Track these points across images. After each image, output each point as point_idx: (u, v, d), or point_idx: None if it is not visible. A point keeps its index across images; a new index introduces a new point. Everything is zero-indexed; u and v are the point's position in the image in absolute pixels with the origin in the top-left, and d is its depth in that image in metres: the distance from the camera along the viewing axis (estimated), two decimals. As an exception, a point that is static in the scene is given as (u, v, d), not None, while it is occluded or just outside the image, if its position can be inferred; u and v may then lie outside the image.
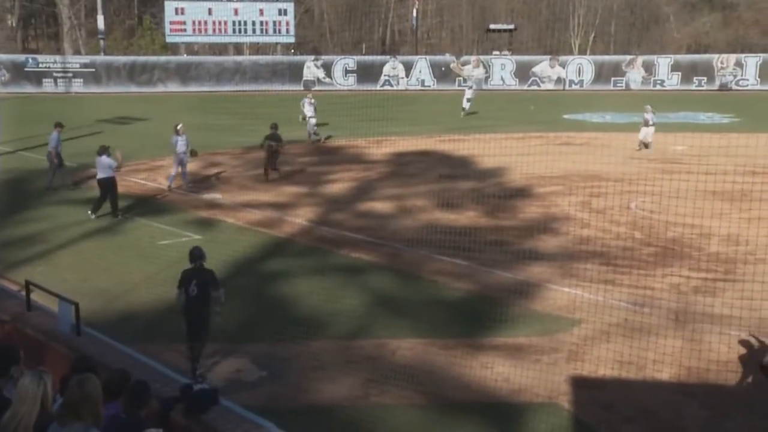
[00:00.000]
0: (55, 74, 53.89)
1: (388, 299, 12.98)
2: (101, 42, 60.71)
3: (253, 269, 14.61)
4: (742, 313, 11.15)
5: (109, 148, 19.08)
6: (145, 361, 10.10)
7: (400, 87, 58.98)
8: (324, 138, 32.01)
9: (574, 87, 60.75)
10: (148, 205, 20.12)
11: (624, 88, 60.45)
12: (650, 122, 29.17)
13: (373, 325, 11.80)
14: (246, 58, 60.95)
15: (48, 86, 53.43)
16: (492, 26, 71.23)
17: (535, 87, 59.99)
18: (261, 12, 58.91)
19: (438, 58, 63.88)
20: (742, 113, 43.32)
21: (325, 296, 12.61)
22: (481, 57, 62.89)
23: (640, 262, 14.89)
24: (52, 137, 21.99)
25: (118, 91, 53.79)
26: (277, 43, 62.44)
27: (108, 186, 18.68)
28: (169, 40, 60.50)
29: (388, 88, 58.58)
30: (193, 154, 22.22)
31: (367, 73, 59.25)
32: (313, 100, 32.67)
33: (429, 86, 59.85)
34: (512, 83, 60.41)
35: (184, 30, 58.36)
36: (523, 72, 60.88)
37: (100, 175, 18.71)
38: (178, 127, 21.78)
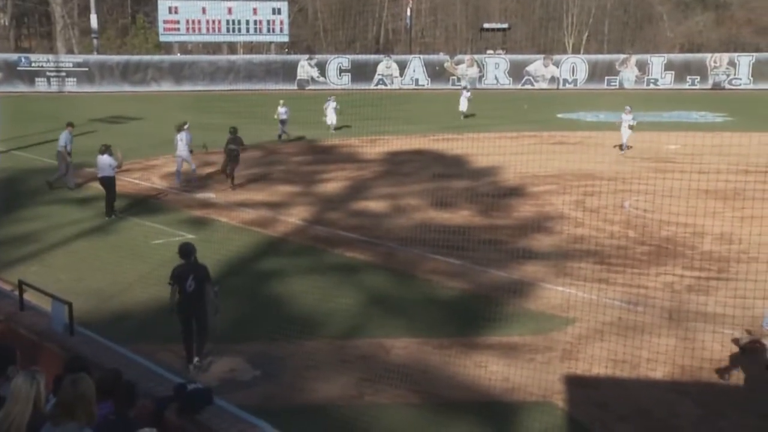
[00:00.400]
0: (48, 73, 53.75)
1: (383, 298, 12.98)
2: (94, 41, 60.55)
3: (247, 269, 14.60)
4: (735, 311, 11.18)
5: (111, 147, 19.08)
6: (139, 361, 10.07)
7: (394, 86, 58.99)
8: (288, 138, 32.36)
9: (567, 86, 60.84)
10: (141, 204, 20.08)
11: (618, 87, 60.56)
12: (626, 123, 28.40)
13: (368, 324, 11.79)
14: (240, 57, 60.89)
15: (41, 85, 53.29)
16: (486, 25, 71.24)
17: (528, 86, 60.07)
18: (255, 11, 58.86)
19: (432, 57, 63.91)
20: (735, 112, 43.45)
21: (319, 296, 12.60)
22: (475, 56, 62.92)
23: (633, 261, 14.92)
24: (62, 136, 21.95)
25: (111, 91, 53.67)
26: (271, 42, 62.37)
27: (107, 185, 18.69)
28: (162, 39, 60.38)
29: (382, 87, 58.57)
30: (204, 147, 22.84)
31: (361, 72, 59.22)
32: (336, 105, 34.04)
33: (423, 85, 59.88)
34: (506, 82, 60.48)
35: (178, 29, 58.26)
36: (517, 71, 60.94)
37: (101, 174, 18.74)
38: (185, 126, 22.42)
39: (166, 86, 55.94)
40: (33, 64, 53.95)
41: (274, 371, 10.06)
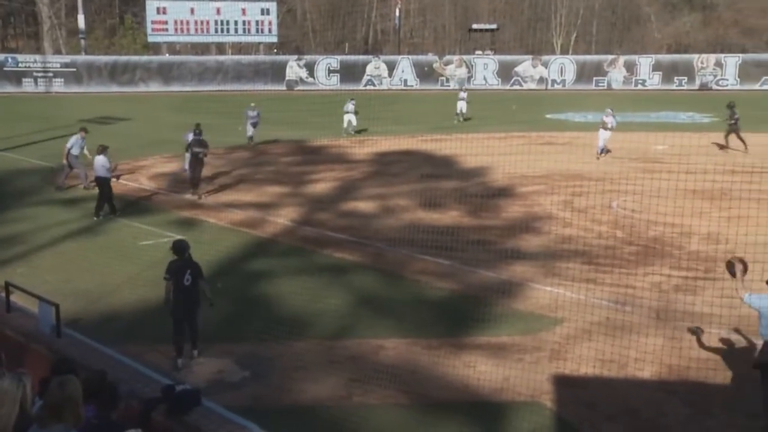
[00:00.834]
0: (35, 74, 53.50)
1: (372, 299, 12.98)
2: (82, 41, 60.33)
3: (236, 269, 14.57)
4: (722, 311, 11.23)
5: (107, 148, 19.09)
6: (127, 363, 10.05)
7: (383, 87, 59.00)
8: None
9: (556, 87, 61.00)
10: (129, 205, 20.01)
11: (606, 87, 60.76)
12: (609, 126, 27.52)
13: (357, 324, 11.79)
14: (228, 58, 60.79)
15: (28, 86, 53.04)
16: (474, 26, 71.39)
17: (517, 87, 60.19)
18: (243, 11, 58.77)
19: (421, 57, 63.97)
20: (722, 113, 43.58)
21: (308, 296, 12.59)
22: (464, 57, 63.02)
23: (621, 261, 14.98)
24: (73, 140, 21.93)
25: (99, 91, 53.47)
26: (259, 43, 62.28)
27: (99, 185, 18.72)
28: (151, 39, 60.22)
29: (371, 87, 58.58)
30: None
31: (350, 72, 59.22)
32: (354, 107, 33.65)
33: (412, 86, 59.92)
34: (495, 83, 60.58)
35: (166, 29, 58.12)
36: (505, 72, 61.07)
37: (95, 174, 18.87)
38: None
39: (155, 87, 55.78)
40: (20, 65, 53.70)
41: (262, 372, 10.05)
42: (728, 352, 10.60)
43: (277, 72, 58.41)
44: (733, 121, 29.05)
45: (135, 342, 10.84)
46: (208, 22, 58.23)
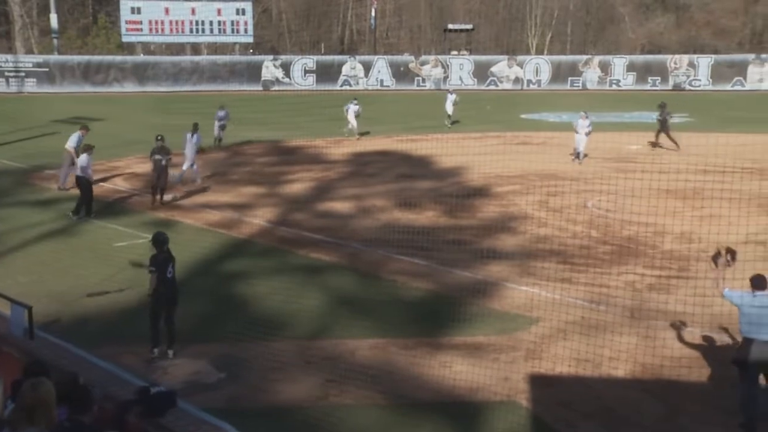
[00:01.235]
0: (6, 74, 52.86)
1: (348, 299, 12.97)
2: (55, 41, 59.67)
3: (213, 270, 14.51)
4: (695, 309, 11.36)
5: (92, 148, 18.99)
6: (101, 365, 9.98)
7: (360, 87, 58.96)
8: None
9: (531, 87, 61.29)
10: (104, 206, 19.84)
11: (581, 87, 61.15)
12: (586, 131, 26.30)
13: (333, 325, 11.78)
14: (204, 58, 60.43)
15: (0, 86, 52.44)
16: (450, 26, 71.52)
17: (493, 87, 60.39)
18: (219, 12, 58.48)
19: (397, 57, 64.01)
20: (695, 113, 44.10)
21: (284, 297, 12.57)
22: (440, 57, 63.16)
23: (596, 261, 15.09)
24: (73, 137, 21.86)
25: (72, 91, 52.95)
26: (235, 43, 62.01)
27: (79, 185, 18.61)
28: (125, 39, 59.74)
29: (347, 88, 58.52)
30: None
31: (326, 72, 59.14)
32: (358, 108, 32.81)
33: (388, 86, 59.93)
34: (471, 83, 60.73)
35: (141, 29, 57.66)
36: (481, 72, 61.26)
37: (77, 174, 18.83)
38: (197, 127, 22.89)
39: (129, 87, 55.35)
40: (-9, 65, 53.10)
41: (238, 373, 10.02)
42: (702, 350, 10.71)
43: (253, 72, 58.20)
44: (663, 120, 29.30)
45: (109, 344, 10.77)
46: (183, 22, 57.86)
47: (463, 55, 65.22)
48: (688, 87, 61.04)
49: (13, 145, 29.15)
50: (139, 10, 57.10)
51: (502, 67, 61.70)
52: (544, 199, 20.40)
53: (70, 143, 21.61)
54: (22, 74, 53.22)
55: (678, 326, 11.25)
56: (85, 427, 5.70)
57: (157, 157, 19.53)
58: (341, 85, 58.91)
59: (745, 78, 61.04)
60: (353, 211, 19.52)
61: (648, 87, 60.79)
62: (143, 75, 56.18)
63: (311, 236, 17.05)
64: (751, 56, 63.00)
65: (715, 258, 9.12)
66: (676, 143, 28.60)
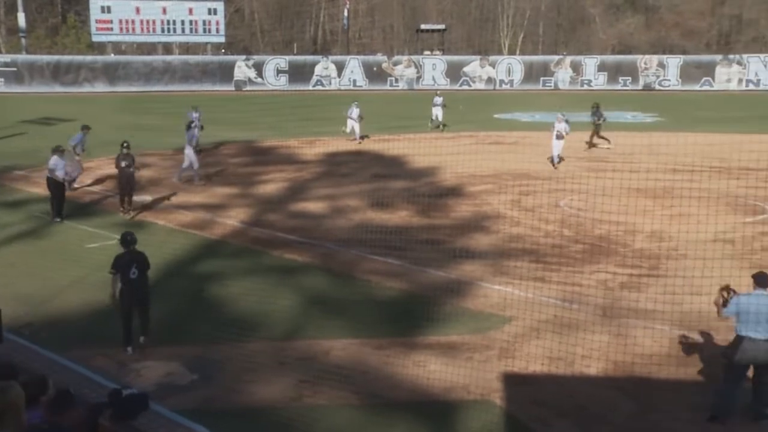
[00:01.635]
0: (-27, 73, 52.27)
1: (322, 300, 12.95)
2: (23, 40, 58.98)
3: (185, 271, 14.41)
4: (665, 307, 11.49)
5: (60, 148, 18.75)
6: (72, 367, 9.87)
7: (332, 87, 58.92)
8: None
9: (504, 87, 61.60)
10: (75, 207, 19.62)
11: (553, 87, 61.58)
12: (563, 133, 25.32)
13: (307, 325, 11.76)
14: (176, 58, 60.04)
15: (-34, 86, 51.81)
16: (423, 26, 71.73)
17: (466, 87, 60.64)
18: (190, 11, 58.16)
19: (370, 58, 64.03)
20: (665, 113, 44.60)
21: (258, 297, 12.52)
22: (413, 57, 63.27)
23: (568, 260, 15.19)
24: (75, 137, 21.96)
25: (41, 91, 52.41)
26: (207, 43, 61.67)
27: (48, 186, 18.42)
28: (95, 39, 59.20)
29: (320, 88, 58.45)
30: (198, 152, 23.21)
31: (299, 73, 59.03)
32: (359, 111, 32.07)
33: (361, 86, 59.94)
34: (444, 83, 60.92)
35: (111, 29, 57.17)
36: (454, 72, 61.47)
37: (49, 175, 18.55)
38: (193, 125, 23.07)
39: (100, 87, 54.87)
40: (-42, 64, 52.39)
41: (212, 374, 9.96)
42: (672, 348, 10.82)
43: (225, 72, 57.96)
44: (600, 122, 29.51)
45: (80, 346, 10.66)
46: (154, 22, 57.47)
47: (435, 55, 65.40)
48: (657, 87, 61.70)
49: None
50: (109, 10, 56.62)
51: (475, 67, 61.96)
52: (517, 198, 20.51)
53: (71, 142, 21.77)
54: (-10, 74, 52.64)
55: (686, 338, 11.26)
56: (63, 430, 5.64)
57: (124, 164, 18.96)
58: (314, 86, 58.83)
59: (713, 78, 61.82)
60: (327, 212, 19.50)
61: (619, 87, 61.36)
62: (114, 75, 55.72)
63: (285, 237, 17.00)
64: (718, 57, 63.84)
65: (717, 302, 9.08)
66: (607, 140, 28.99)
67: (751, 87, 61.09)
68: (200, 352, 10.56)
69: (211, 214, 19.09)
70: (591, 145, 29.52)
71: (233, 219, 18.68)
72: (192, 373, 10.01)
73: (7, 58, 55.67)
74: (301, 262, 15.16)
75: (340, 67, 60.25)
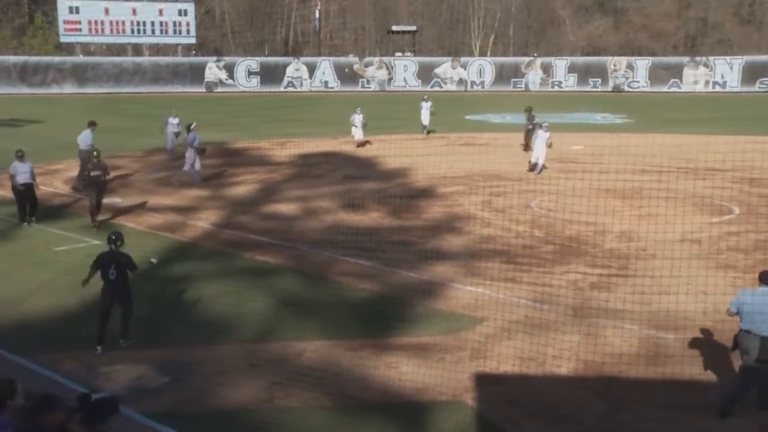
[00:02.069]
0: (-61, 74, 51.52)
1: (294, 301, 12.92)
2: (-12, 41, 58.29)
3: (156, 274, 14.27)
4: (634, 307, 11.61)
5: (20, 153, 18.40)
6: (40, 372, 9.76)
7: (304, 88, 58.83)
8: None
9: (475, 88, 61.89)
10: (43, 210, 19.38)
11: (524, 89, 61.98)
12: (543, 141, 24.64)
13: (279, 327, 11.73)
14: (146, 59, 59.62)
15: (-69, 87, 51.05)
16: (394, 27, 71.88)
17: (437, 88, 60.83)
18: (160, 12, 57.80)
19: (341, 59, 64.01)
20: (634, 114, 45.07)
21: (230, 300, 12.48)
22: (384, 58, 63.34)
23: (539, 260, 15.28)
24: (84, 136, 21.65)
25: (7, 93, 51.79)
26: (177, 44, 61.26)
27: (18, 191, 18.09)
28: (63, 39, 58.57)
29: (292, 89, 58.32)
30: (202, 151, 23.13)
31: (271, 74, 58.88)
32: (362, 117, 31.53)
33: (333, 87, 59.92)
34: (415, 84, 61.09)
35: (80, 30, 56.63)
36: (425, 73, 61.64)
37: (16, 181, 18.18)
38: (192, 126, 23.06)
39: (69, 88, 54.32)
40: None
41: (183, 377, 9.91)
42: (642, 347, 10.93)
43: (196, 74, 57.65)
44: (531, 126, 29.34)
45: (49, 350, 10.55)
46: (123, 23, 57.03)
47: (407, 56, 65.54)
48: (627, 88, 62.35)
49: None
50: (77, 10, 56.09)
51: (446, 68, 62.19)
52: (488, 199, 20.61)
53: (84, 143, 21.45)
54: (-45, 75, 51.91)
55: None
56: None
57: (95, 173, 18.21)
58: (285, 87, 58.70)
59: (680, 80, 62.63)
60: (299, 213, 19.46)
61: (589, 88, 61.93)
62: (83, 76, 55.21)
63: (257, 239, 16.94)
64: (685, 59, 64.66)
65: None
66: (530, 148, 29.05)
67: (718, 89, 61.97)
68: (171, 355, 10.49)
69: (182, 216, 18.98)
70: (527, 147, 29.49)
71: (204, 221, 18.57)
72: (163, 376, 9.95)
73: (-27, 58, 54.95)
74: (273, 264, 15.12)
75: (312, 69, 60.17)
